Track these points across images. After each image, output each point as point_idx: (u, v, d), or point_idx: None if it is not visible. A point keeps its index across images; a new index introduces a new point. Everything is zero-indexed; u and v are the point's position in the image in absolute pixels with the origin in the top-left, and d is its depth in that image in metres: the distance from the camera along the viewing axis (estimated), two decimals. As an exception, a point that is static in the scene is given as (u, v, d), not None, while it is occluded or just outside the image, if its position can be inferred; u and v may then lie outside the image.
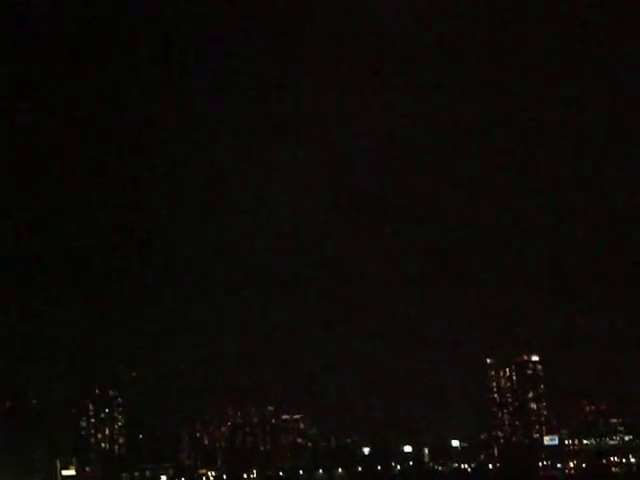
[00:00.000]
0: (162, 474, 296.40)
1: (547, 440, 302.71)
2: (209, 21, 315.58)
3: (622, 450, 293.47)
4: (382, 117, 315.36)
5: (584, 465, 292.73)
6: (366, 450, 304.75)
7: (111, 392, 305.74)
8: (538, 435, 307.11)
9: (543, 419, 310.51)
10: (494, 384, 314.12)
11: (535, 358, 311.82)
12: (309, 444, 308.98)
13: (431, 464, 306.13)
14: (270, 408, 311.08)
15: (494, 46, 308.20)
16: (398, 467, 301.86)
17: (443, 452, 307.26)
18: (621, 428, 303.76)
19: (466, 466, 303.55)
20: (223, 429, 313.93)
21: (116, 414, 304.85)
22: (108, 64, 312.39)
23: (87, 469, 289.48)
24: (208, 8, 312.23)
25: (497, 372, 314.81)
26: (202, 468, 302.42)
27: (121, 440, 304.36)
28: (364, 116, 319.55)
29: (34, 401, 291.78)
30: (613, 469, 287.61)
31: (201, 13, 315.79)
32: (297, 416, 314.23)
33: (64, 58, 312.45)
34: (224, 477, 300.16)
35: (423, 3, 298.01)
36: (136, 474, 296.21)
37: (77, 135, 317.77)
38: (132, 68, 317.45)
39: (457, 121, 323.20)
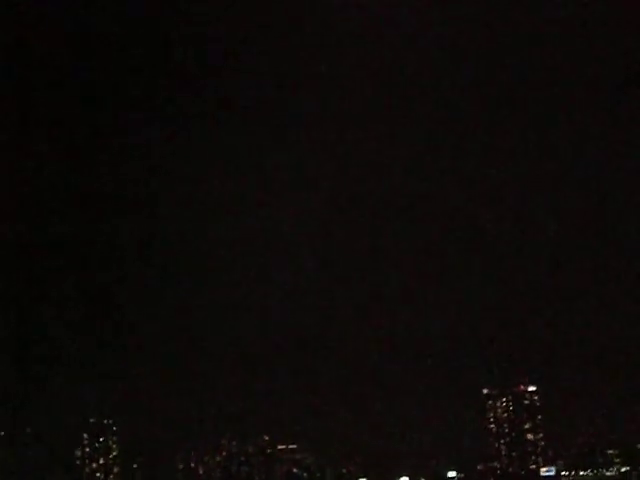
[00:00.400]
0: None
1: (544, 471, 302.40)
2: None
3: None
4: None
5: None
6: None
7: (105, 421, 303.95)
8: (535, 466, 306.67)
9: (540, 450, 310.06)
10: (491, 414, 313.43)
11: (532, 388, 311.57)
12: (305, 474, 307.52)
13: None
14: (265, 437, 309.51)
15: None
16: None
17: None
18: (618, 460, 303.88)
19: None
20: (218, 459, 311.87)
21: (111, 443, 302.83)
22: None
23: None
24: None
25: (494, 402, 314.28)
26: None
27: (116, 469, 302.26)
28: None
29: (28, 430, 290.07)
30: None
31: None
32: (293, 446, 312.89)
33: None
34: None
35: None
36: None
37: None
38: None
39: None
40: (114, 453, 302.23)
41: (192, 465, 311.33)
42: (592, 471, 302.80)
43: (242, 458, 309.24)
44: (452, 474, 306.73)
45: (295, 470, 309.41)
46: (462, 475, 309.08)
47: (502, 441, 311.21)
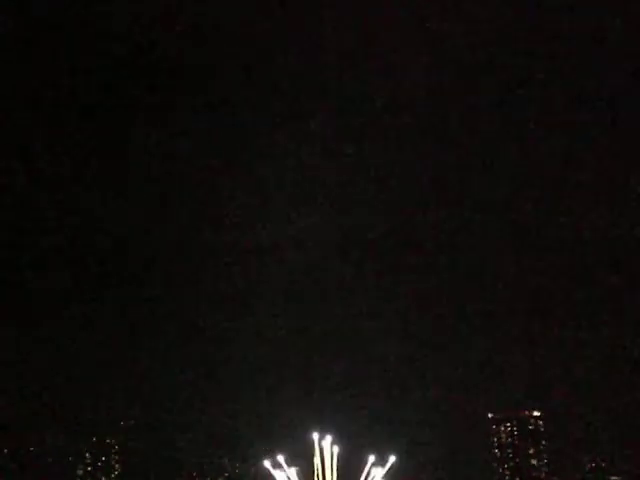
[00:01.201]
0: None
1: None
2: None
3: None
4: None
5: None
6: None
7: (108, 440, 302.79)
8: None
9: (544, 476, 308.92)
10: (495, 439, 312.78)
11: (536, 413, 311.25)
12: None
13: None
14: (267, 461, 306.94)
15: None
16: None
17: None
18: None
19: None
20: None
21: (113, 462, 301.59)
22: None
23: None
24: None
25: (497, 427, 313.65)
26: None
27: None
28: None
29: (32, 448, 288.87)
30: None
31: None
32: (294, 469, 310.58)
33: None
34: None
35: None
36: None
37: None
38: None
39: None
40: (116, 472, 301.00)
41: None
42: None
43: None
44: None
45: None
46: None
47: (506, 466, 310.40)
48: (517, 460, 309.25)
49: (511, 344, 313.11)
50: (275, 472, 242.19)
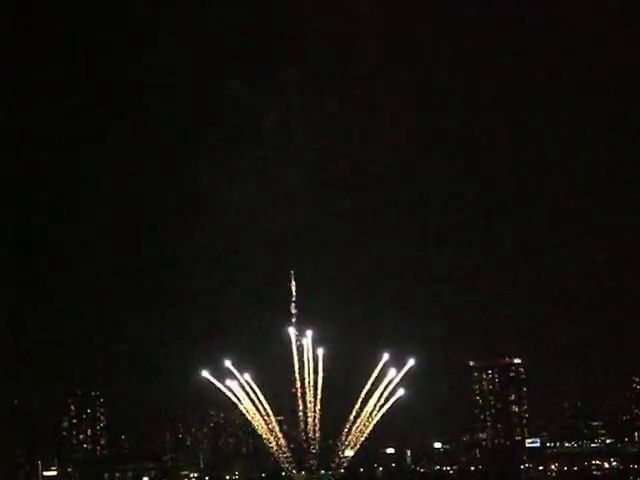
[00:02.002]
0: (144, 475, 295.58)
1: (529, 442, 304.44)
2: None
3: (604, 454, 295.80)
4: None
5: (565, 468, 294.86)
6: (349, 452, 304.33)
7: (93, 392, 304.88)
8: (520, 437, 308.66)
9: (525, 422, 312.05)
10: (476, 387, 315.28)
11: (517, 361, 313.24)
12: (292, 446, 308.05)
13: (413, 466, 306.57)
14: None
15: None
16: (381, 469, 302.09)
17: (426, 454, 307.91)
18: (602, 431, 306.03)
19: (448, 468, 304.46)
20: (205, 430, 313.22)
21: (98, 414, 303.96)
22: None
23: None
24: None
25: (479, 375, 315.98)
26: (184, 469, 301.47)
27: (103, 441, 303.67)
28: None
29: (15, 402, 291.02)
30: (594, 472, 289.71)
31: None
32: (280, 418, 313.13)
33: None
34: (206, 478, 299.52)
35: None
36: (118, 475, 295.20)
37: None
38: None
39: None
40: (101, 424, 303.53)
41: (180, 436, 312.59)
42: (577, 443, 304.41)
43: (229, 429, 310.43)
44: (438, 445, 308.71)
45: (282, 442, 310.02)
46: (448, 446, 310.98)
47: (488, 413, 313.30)
48: (498, 407, 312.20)
49: (492, 293, 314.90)
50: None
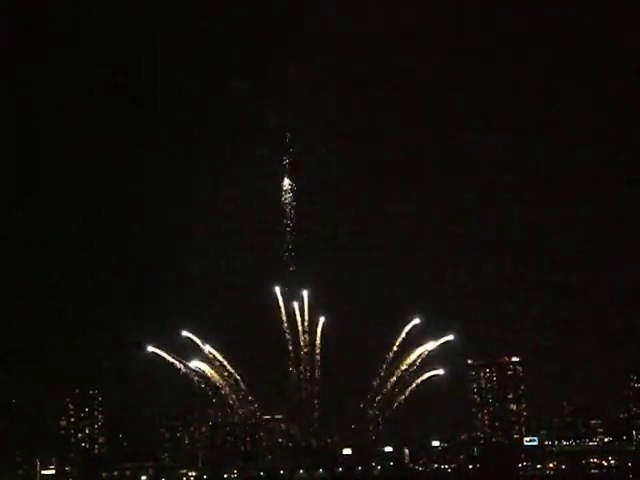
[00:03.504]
0: (142, 474, 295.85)
1: (527, 441, 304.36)
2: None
3: (602, 452, 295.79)
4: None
5: (563, 466, 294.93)
6: (347, 451, 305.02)
7: (91, 391, 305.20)
8: (518, 436, 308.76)
9: (523, 420, 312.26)
10: (474, 385, 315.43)
11: (515, 359, 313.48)
12: (290, 444, 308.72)
13: (411, 465, 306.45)
14: (251, 408, 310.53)
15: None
16: (379, 468, 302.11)
17: (424, 452, 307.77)
18: (601, 430, 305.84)
19: (446, 467, 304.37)
20: (204, 429, 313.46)
21: (96, 413, 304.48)
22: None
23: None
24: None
25: (477, 373, 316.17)
26: (182, 468, 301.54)
27: (101, 439, 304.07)
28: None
29: (13, 400, 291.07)
30: (592, 471, 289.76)
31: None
32: (278, 416, 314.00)
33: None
34: (204, 477, 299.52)
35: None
36: (116, 474, 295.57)
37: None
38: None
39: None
40: (99, 423, 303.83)
41: (178, 435, 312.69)
42: (575, 441, 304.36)
43: (227, 428, 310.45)
44: (436, 443, 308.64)
45: (280, 440, 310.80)
46: (446, 444, 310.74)
47: (485, 411, 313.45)
48: (496, 405, 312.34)
49: (490, 291, 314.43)
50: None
